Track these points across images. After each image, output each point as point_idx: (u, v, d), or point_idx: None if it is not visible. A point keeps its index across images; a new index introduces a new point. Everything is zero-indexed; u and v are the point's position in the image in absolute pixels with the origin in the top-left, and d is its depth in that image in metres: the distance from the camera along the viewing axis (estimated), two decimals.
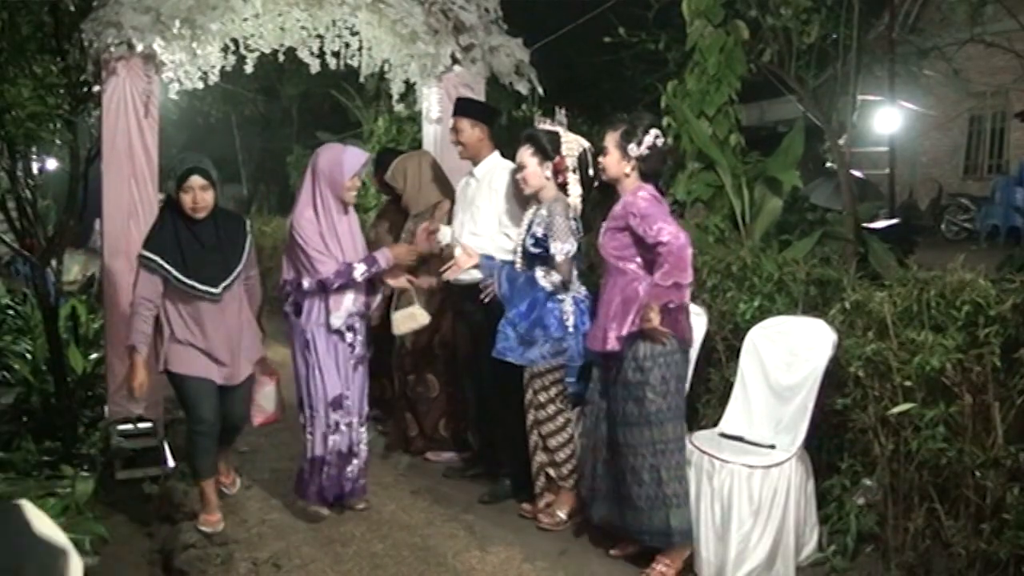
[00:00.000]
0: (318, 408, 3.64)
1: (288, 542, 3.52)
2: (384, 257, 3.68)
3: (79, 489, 3.43)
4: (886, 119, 12.14)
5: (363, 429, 3.82)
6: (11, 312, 5.58)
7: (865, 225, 5.86)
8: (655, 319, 3.01)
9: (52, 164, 6.35)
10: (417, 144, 7.24)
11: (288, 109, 15.90)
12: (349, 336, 3.69)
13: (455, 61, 4.72)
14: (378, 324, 5.07)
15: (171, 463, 4.17)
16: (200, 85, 4.46)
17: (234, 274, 3.46)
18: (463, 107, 4.12)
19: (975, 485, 2.84)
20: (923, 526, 3.02)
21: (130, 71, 4.00)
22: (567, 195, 3.63)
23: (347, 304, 3.65)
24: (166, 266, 3.31)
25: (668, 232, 3.01)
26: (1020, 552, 2.70)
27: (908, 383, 2.93)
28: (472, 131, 4.03)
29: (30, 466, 3.77)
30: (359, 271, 3.60)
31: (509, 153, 3.90)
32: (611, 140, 3.23)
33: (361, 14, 4.57)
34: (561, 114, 3.74)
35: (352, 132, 12.59)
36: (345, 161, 3.58)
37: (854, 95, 6.25)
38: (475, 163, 4.09)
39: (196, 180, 3.32)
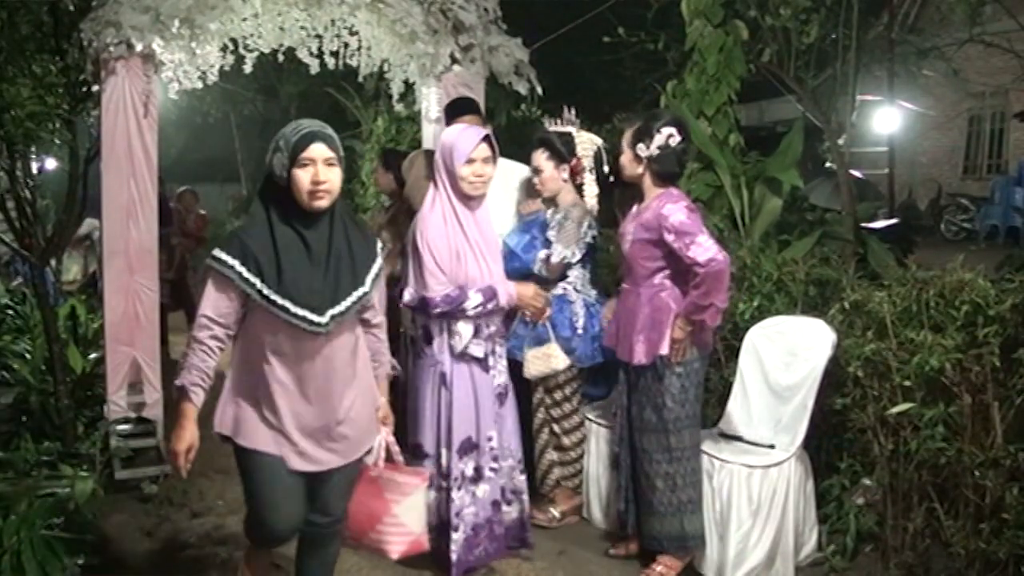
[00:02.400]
0: (445, 456, 3.05)
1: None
2: (507, 294, 3.08)
3: (79, 489, 3.42)
4: (885, 119, 12.14)
5: (522, 476, 3.22)
6: (10, 312, 5.57)
7: (864, 225, 5.85)
8: (683, 334, 3.00)
9: (51, 164, 6.34)
10: (417, 144, 7.24)
11: (287, 109, 15.87)
12: (491, 361, 3.09)
13: (454, 61, 4.72)
14: None
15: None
16: (199, 85, 4.46)
17: (351, 300, 2.31)
18: (468, 106, 3.97)
19: (974, 485, 2.84)
20: (922, 526, 3.02)
21: (129, 71, 3.99)
22: (583, 196, 3.62)
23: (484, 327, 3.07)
24: (249, 277, 2.22)
25: (707, 253, 2.91)
26: (1019, 552, 2.71)
27: (907, 383, 2.94)
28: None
29: (29, 466, 3.76)
30: (472, 303, 2.98)
31: (507, 154, 3.88)
32: (625, 139, 3.19)
33: (360, 14, 4.57)
34: (570, 114, 3.72)
35: (351, 132, 12.59)
36: (457, 144, 2.96)
37: (853, 95, 6.25)
38: None
39: (319, 150, 2.23)
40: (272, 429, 2.36)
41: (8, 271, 7.68)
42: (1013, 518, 2.71)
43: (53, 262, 4.44)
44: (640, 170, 3.14)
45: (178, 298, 7.11)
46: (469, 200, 3.00)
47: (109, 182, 4.06)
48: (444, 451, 3.05)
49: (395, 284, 3.35)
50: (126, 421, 4.13)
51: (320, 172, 2.22)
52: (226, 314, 2.29)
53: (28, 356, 4.78)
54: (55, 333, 4.24)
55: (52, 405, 4.20)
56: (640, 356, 3.09)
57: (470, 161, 2.93)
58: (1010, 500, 2.73)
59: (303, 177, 2.23)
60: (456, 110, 3.93)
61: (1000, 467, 2.79)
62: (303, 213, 2.27)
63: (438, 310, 2.98)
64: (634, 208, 3.25)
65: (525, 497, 3.23)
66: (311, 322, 2.24)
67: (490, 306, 3.02)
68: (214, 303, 2.28)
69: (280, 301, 2.22)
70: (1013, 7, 7.00)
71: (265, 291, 2.22)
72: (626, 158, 3.18)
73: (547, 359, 3.39)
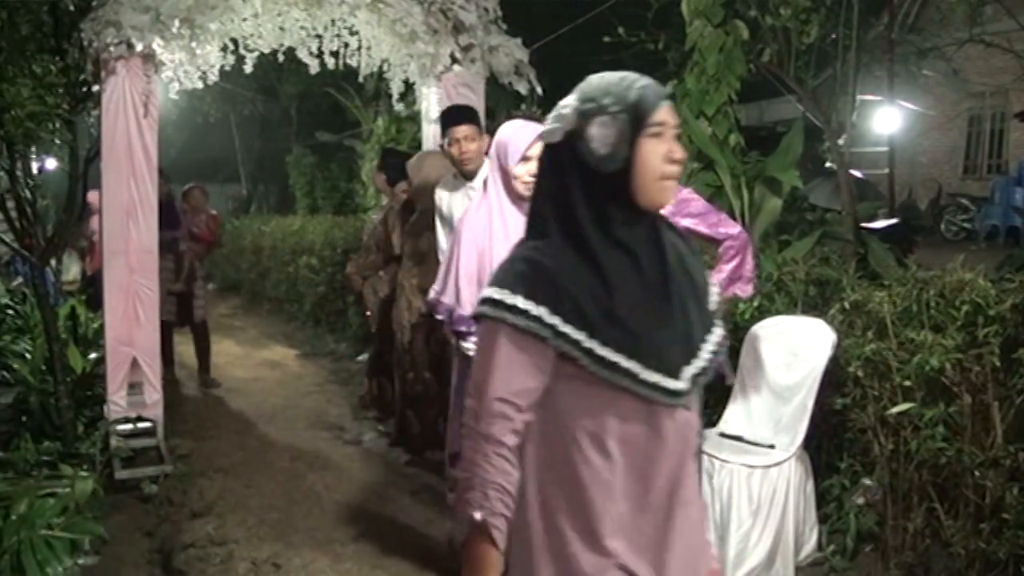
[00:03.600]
0: None
1: (288, 542, 3.52)
2: None
3: (78, 489, 3.42)
4: (885, 119, 12.13)
5: None
6: (10, 312, 5.57)
7: (864, 225, 5.85)
8: (722, 311, 3.01)
9: (51, 164, 6.34)
10: (417, 144, 7.24)
11: (287, 109, 15.91)
12: None
13: (454, 61, 4.72)
14: (379, 324, 5.08)
15: (170, 463, 4.16)
16: (199, 85, 4.47)
17: (710, 348, 1.51)
18: (467, 115, 3.82)
19: (974, 485, 2.84)
20: (922, 526, 3.02)
21: (129, 71, 4.00)
22: None
23: None
24: (569, 331, 1.39)
25: (735, 226, 3.10)
26: (1019, 552, 2.70)
27: (907, 383, 2.93)
28: (481, 141, 3.75)
29: (29, 466, 3.76)
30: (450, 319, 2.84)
31: None
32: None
33: (360, 14, 4.57)
34: None
35: (351, 132, 12.60)
36: (512, 140, 2.75)
37: (853, 95, 6.25)
38: (470, 176, 3.78)
39: (670, 114, 1.45)
40: (595, 559, 1.44)
41: (8, 271, 7.68)
42: (1013, 518, 2.71)
43: (53, 262, 4.44)
44: None
45: (185, 314, 6.27)
46: (522, 201, 2.71)
47: (109, 182, 4.06)
48: None
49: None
50: (126, 421, 4.14)
51: (675, 150, 1.44)
52: (529, 390, 1.41)
53: (28, 356, 4.78)
54: (55, 333, 4.24)
55: (52, 405, 4.20)
56: None
57: (525, 159, 2.70)
58: (1010, 500, 2.73)
59: (655, 152, 1.42)
60: (451, 119, 3.77)
61: (1000, 467, 2.79)
62: (629, 217, 1.43)
63: (438, 316, 2.84)
64: None
65: None
66: (666, 391, 1.41)
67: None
68: (507, 376, 1.40)
69: (624, 363, 1.38)
70: (1013, 7, 7.00)
71: (598, 350, 1.38)
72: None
73: None
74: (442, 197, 3.97)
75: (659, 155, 1.42)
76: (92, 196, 6.31)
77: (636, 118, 1.42)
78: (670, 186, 1.45)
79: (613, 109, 1.42)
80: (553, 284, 1.39)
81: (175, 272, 6.02)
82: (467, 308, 2.70)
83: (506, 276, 1.44)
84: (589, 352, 1.39)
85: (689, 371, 1.45)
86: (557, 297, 1.39)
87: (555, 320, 1.38)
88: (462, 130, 3.69)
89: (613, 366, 1.39)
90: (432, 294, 2.88)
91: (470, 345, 2.79)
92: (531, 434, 1.46)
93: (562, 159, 1.46)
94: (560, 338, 1.39)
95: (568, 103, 1.48)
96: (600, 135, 1.42)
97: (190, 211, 6.48)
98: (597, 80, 1.50)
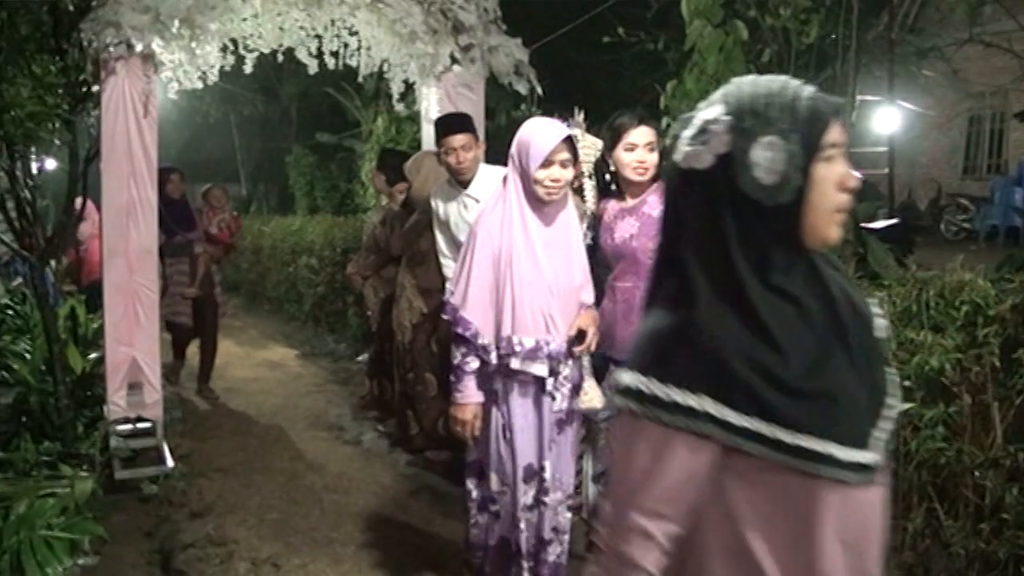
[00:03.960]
0: (509, 480, 2.70)
1: (288, 542, 3.52)
2: (563, 337, 2.63)
3: (78, 489, 3.43)
4: (885, 119, 12.15)
5: (568, 513, 2.76)
6: (10, 312, 5.57)
7: (864, 225, 5.84)
8: None
9: (51, 164, 6.34)
10: (417, 144, 7.24)
11: (287, 109, 15.92)
12: (551, 384, 2.64)
13: (454, 61, 4.72)
14: (379, 324, 5.09)
15: (170, 463, 4.17)
16: (199, 85, 4.46)
17: (894, 405, 1.21)
18: (463, 123, 3.79)
19: (974, 485, 2.84)
20: (922, 526, 3.02)
21: (129, 71, 3.99)
22: (583, 198, 3.58)
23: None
24: (747, 424, 1.10)
25: None
26: (1019, 552, 2.71)
27: (907, 383, 2.93)
28: (478, 149, 3.77)
29: (29, 466, 3.76)
30: (469, 362, 2.64)
31: (506, 154, 3.85)
32: (654, 136, 3.09)
33: (360, 14, 4.57)
34: (579, 116, 3.68)
35: (351, 132, 12.60)
36: (534, 142, 2.54)
37: (853, 95, 6.24)
38: (466, 184, 3.77)
39: (841, 131, 1.20)
40: None
41: (8, 271, 7.67)
42: (1013, 518, 2.71)
43: (53, 262, 4.44)
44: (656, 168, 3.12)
45: (200, 322, 5.95)
46: (543, 207, 2.58)
47: (109, 182, 4.06)
48: (507, 474, 2.71)
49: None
50: (126, 421, 4.14)
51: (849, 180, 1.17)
52: (683, 500, 1.14)
53: (28, 356, 4.78)
54: (55, 333, 4.24)
55: (52, 405, 4.20)
56: None
57: (547, 163, 2.52)
58: (1010, 500, 2.73)
59: (830, 180, 1.15)
60: (447, 128, 3.72)
61: (1000, 467, 2.79)
62: (791, 259, 1.16)
63: (462, 331, 2.63)
64: (612, 205, 3.20)
65: (567, 538, 2.77)
66: (859, 467, 1.12)
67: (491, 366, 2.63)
68: (656, 485, 1.13)
69: (814, 447, 1.10)
70: (1013, 7, 7.00)
71: (787, 439, 1.10)
72: (655, 158, 3.12)
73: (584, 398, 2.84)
74: (438, 204, 3.96)
75: (834, 183, 1.15)
76: (78, 202, 6.30)
77: (809, 138, 1.13)
78: (842, 221, 1.17)
79: (782, 127, 1.12)
80: (717, 364, 1.09)
81: (190, 276, 5.78)
82: (474, 313, 2.60)
83: (651, 358, 1.13)
84: (775, 442, 1.09)
85: (879, 436, 1.15)
86: (723, 381, 1.09)
87: (725, 412, 1.09)
88: (459, 139, 3.67)
89: (801, 452, 1.09)
90: (446, 293, 2.76)
91: (458, 355, 2.65)
92: (692, 547, 1.16)
93: (711, 191, 1.14)
94: (731, 431, 1.09)
95: (715, 117, 1.15)
96: (766, 160, 1.11)
97: (208, 211, 6.22)
98: (750, 88, 1.17)
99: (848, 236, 5.10)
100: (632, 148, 3.04)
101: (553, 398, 2.64)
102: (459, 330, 2.61)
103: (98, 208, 4.22)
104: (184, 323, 5.86)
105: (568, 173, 2.57)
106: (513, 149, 2.60)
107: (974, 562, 2.84)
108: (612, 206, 3.20)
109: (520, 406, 2.65)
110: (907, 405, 2.92)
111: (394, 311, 4.63)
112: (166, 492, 3.98)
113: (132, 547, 3.50)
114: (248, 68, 4.69)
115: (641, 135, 3.03)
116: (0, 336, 5.05)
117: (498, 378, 2.65)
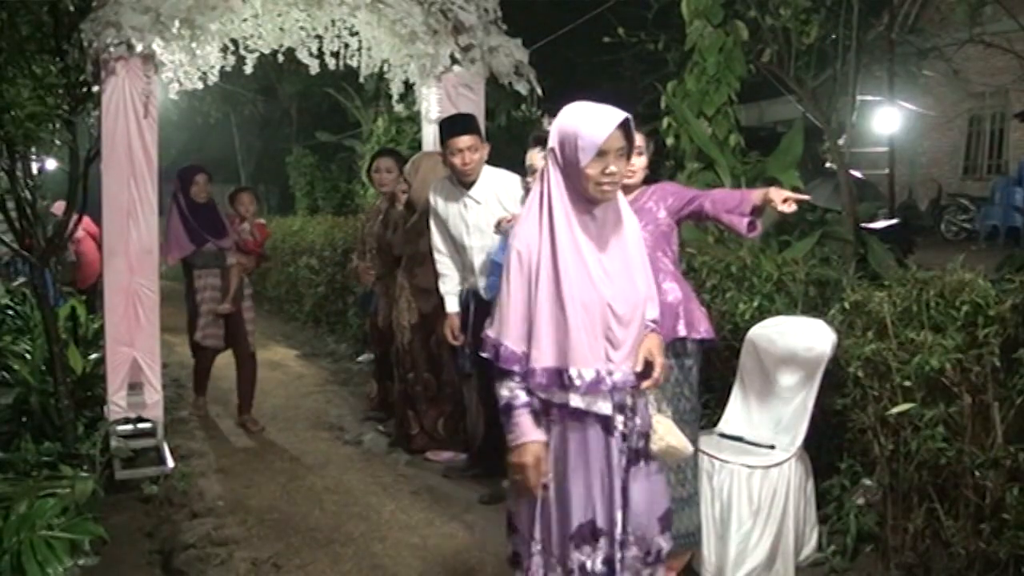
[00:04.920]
0: (546, 541, 2.19)
1: (288, 542, 3.52)
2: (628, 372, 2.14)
3: (79, 489, 3.43)
4: (885, 119, 12.16)
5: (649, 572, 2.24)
6: (10, 312, 5.57)
7: (864, 225, 5.86)
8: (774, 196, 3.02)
9: (51, 164, 6.34)
10: (417, 144, 7.25)
11: (287, 109, 15.91)
12: (619, 421, 2.16)
13: (454, 61, 4.73)
14: (381, 325, 5.08)
15: (171, 463, 4.17)
16: (199, 85, 4.46)
17: None
18: (468, 124, 3.78)
19: (975, 485, 2.84)
20: (923, 526, 3.02)
21: (129, 71, 4.00)
22: None
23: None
24: None
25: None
26: (1019, 552, 2.71)
27: (907, 383, 2.93)
28: (483, 150, 3.77)
29: (29, 466, 3.76)
30: (518, 395, 2.12)
31: (506, 154, 3.86)
32: (643, 141, 3.09)
33: (360, 14, 4.58)
34: None
35: (351, 132, 12.60)
36: (583, 129, 2.05)
37: (853, 95, 6.25)
38: (468, 184, 3.78)
39: None
40: None
41: (8, 271, 7.68)
42: (1013, 518, 2.71)
43: (53, 262, 4.43)
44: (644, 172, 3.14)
45: (232, 336, 5.21)
46: (593, 207, 2.11)
47: (109, 182, 4.06)
48: (553, 534, 2.20)
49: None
50: (126, 422, 4.14)
51: None
52: None
53: (28, 356, 4.78)
54: (55, 333, 4.24)
55: (52, 405, 4.20)
56: (683, 330, 2.97)
57: (601, 154, 2.04)
58: (1010, 500, 2.73)
59: None
60: (452, 129, 3.69)
61: (1000, 467, 2.79)
62: None
63: (508, 366, 2.12)
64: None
65: None
66: None
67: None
68: None
69: None
70: (1013, 7, 7.00)
71: None
72: (644, 162, 3.14)
73: (672, 452, 2.29)
74: (436, 200, 3.97)
75: None
76: (58, 207, 5.76)
77: None
78: None
79: None
80: None
81: (222, 291, 5.06)
82: (518, 343, 2.11)
83: None
84: None
85: None
86: None
87: None
88: (464, 140, 3.67)
89: None
90: (484, 325, 2.25)
91: (505, 391, 2.14)
92: None
93: None
94: None
95: None
96: None
97: (236, 218, 5.48)
98: None
99: (849, 236, 5.11)
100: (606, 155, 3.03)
101: (625, 438, 2.16)
102: (502, 365, 2.12)
103: (97, 209, 4.22)
104: (213, 345, 5.14)
105: (623, 165, 2.10)
106: (553, 140, 2.12)
107: (974, 562, 2.84)
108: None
109: (577, 454, 2.14)
110: (907, 405, 2.93)
111: (394, 312, 4.63)
112: (166, 492, 3.98)
113: (132, 547, 3.50)
114: (248, 68, 4.70)
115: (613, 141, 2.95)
116: (0, 336, 5.05)
117: (542, 418, 2.14)
